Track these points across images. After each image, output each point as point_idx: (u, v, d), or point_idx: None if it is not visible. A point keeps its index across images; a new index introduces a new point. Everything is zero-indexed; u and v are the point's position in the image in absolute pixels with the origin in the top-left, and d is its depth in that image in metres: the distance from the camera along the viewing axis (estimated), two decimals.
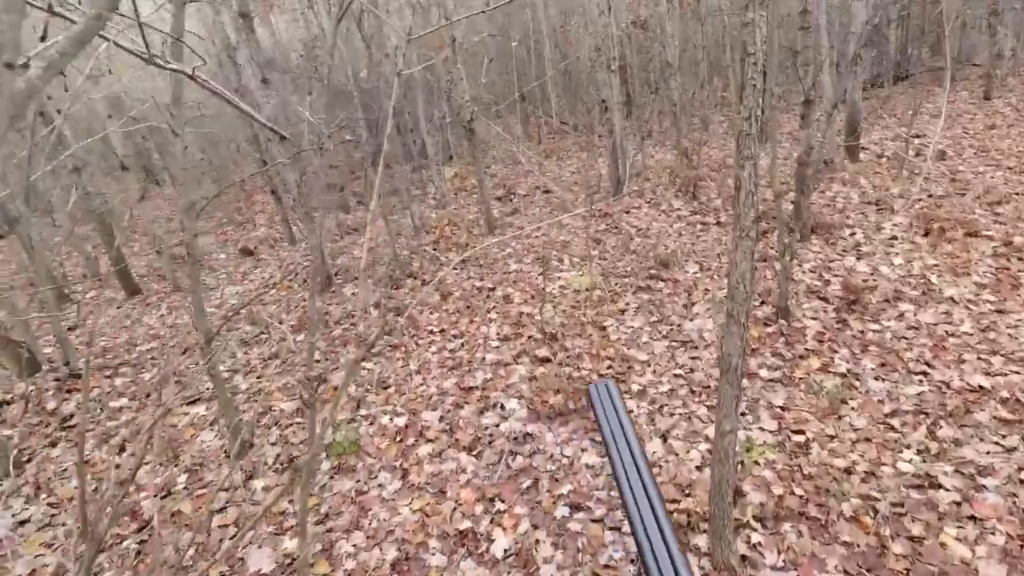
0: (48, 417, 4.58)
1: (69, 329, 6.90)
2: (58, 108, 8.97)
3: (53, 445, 4.24)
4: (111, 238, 7.65)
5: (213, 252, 9.40)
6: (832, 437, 2.94)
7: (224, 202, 11.97)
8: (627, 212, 7.04)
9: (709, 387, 3.54)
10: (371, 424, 3.73)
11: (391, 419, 3.73)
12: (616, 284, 5.09)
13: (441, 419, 3.66)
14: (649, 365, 3.86)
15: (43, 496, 3.62)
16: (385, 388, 4.15)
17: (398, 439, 3.55)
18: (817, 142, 4.77)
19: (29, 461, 4.05)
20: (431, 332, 4.88)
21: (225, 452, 3.67)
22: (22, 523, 3.43)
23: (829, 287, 4.34)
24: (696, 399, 3.46)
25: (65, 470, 3.86)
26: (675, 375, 3.71)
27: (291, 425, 3.90)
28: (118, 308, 7.45)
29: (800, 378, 3.45)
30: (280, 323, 5.64)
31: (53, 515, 3.45)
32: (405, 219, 8.31)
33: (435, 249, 7.08)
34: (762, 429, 3.08)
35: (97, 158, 8.03)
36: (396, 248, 7.01)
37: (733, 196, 1.77)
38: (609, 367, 3.88)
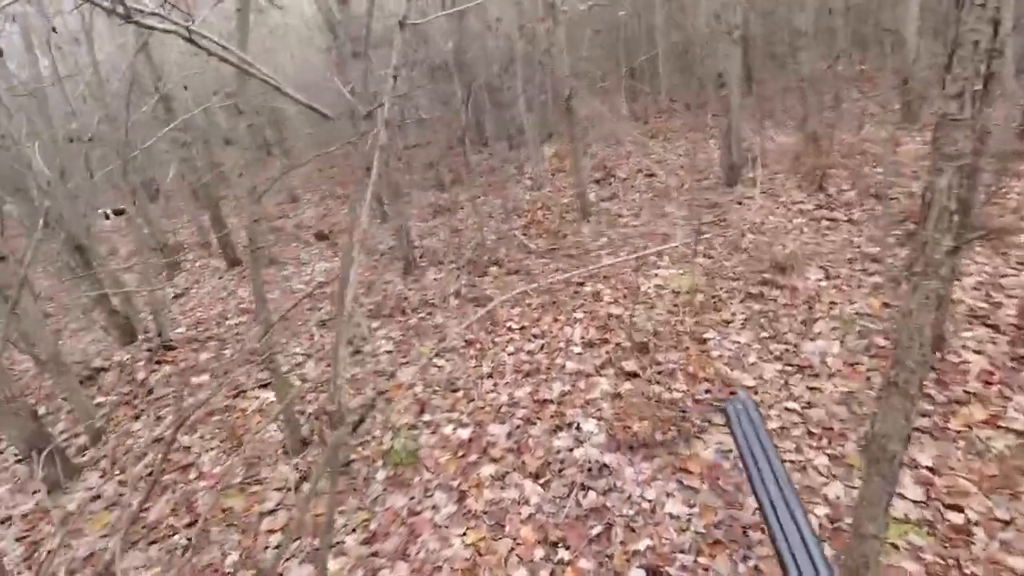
0: (137, 388, 4.70)
1: (175, 296, 7.22)
2: (184, 84, 9.44)
3: (136, 418, 4.32)
4: (216, 210, 7.92)
5: (312, 227, 9.57)
6: (1006, 523, 2.24)
7: (327, 176, 12.23)
8: (739, 203, 6.25)
9: (832, 429, 2.89)
10: (433, 433, 3.42)
11: (455, 429, 3.40)
12: (722, 288, 4.44)
13: (509, 435, 3.27)
14: (756, 392, 3.24)
15: (117, 473, 3.65)
16: (454, 391, 3.82)
17: (460, 454, 3.21)
18: (994, 126, 3.83)
19: (113, 432, 4.15)
20: (510, 329, 4.49)
21: (284, 447, 3.52)
22: (94, 499, 3.45)
23: (1000, 311, 3.47)
24: (814, 444, 2.83)
25: (136, 447, 3.89)
26: (787, 408, 3.08)
27: (350, 423, 3.68)
28: (219, 279, 7.72)
29: (958, 432, 2.71)
30: (360, 305, 5.49)
31: (121, 494, 3.46)
32: (498, 200, 7.95)
33: (525, 235, 6.68)
34: (903, 496, 2.43)
35: (200, 134, 8.30)
36: (483, 232, 6.69)
37: (922, 211, 1.19)
38: (707, 391, 3.31)
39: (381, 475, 3.17)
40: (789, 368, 3.38)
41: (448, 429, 3.41)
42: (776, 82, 10.91)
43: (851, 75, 11.87)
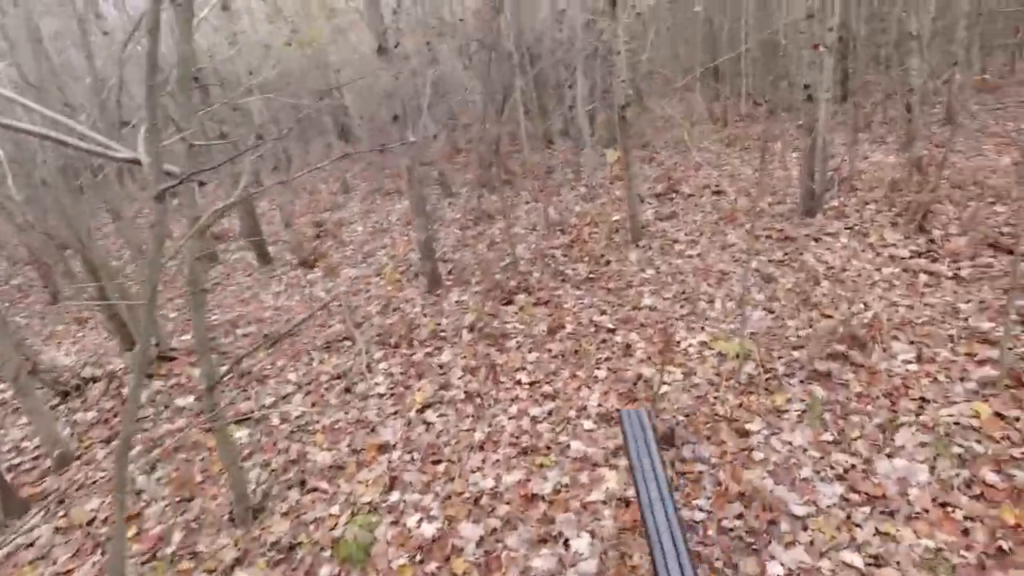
0: (120, 405, 4.42)
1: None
2: (250, 70, 9.28)
3: (108, 441, 4.01)
4: (250, 207, 7.67)
5: (355, 222, 9.24)
6: None
7: (377, 170, 11.89)
8: (816, 240, 5.30)
9: None
10: (395, 523, 2.85)
11: (420, 522, 2.82)
12: (779, 358, 3.61)
13: (480, 541, 2.66)
14: (806, 528, 2.47)
15: (60, 514, 3.31)
16: (435, 462, 3.24)
17: (418, 559, 2.63)
18: None
19: (79, 459, 3.85)
20: (519, 383, 3.86)
21: (230, 514, 3.06)
22: (28, 546, 3.13)
23: None
24: None
25: (95, 482, 3.55)
26: (846, 564, 2.29)
27: (314, 491, 3.17)
28: (248, 275, 7.49)
29: None
30: (359, 329, 5.00)
31: (55, 545, 3.11)
32: (551, 208, 7.28)
33: (565, 255, 5.99)
34: None
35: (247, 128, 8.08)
36: (517, 251, 6.06)
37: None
38: (740, 515, 2.56)
39: (325, 571, 2.64)
40: (855, 496, 2.57)
41: (413, 520, 2.83)
42: (878, 90, 9.61)
43: (970, 85, 10.34)
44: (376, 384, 4.12)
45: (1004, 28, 11.07)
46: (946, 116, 8.88)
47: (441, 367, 4.25)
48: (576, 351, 4.12)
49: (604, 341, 4.18)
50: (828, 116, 5.49)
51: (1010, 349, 3.10)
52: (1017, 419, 2.80)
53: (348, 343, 4.85)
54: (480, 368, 4.04)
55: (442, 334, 4.70)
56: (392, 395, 3.97)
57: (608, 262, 5.60)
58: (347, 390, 4.08)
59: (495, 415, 3.56)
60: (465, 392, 3.84)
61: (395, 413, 3.74)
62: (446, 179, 9.59)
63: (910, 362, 3.36)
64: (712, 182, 7.79)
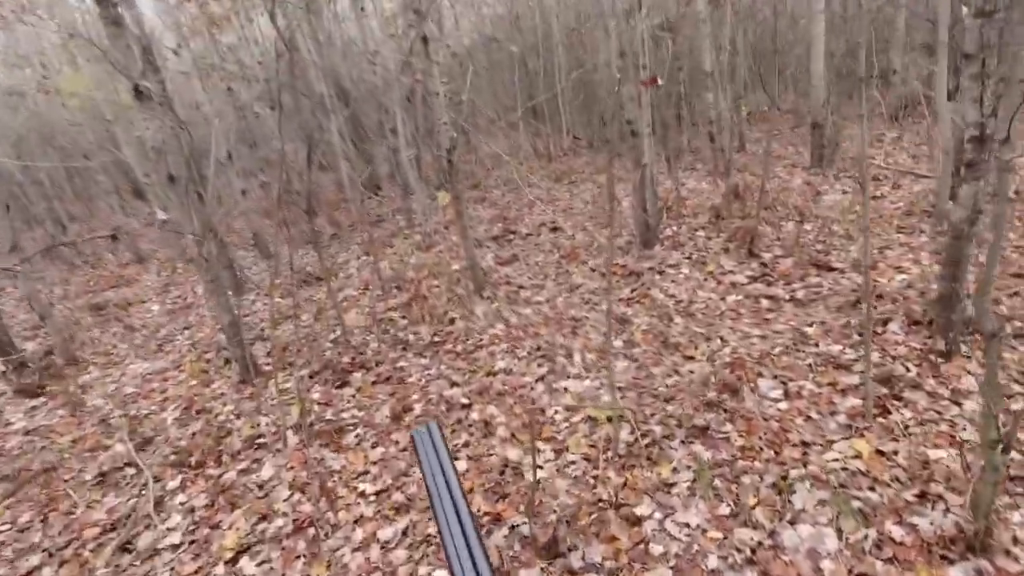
0: None
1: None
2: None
3: None
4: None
5: (149, 300, 7.72)
6: None
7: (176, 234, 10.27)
8: (660, 273, 5.23)
9: None
10: None
11: None
12: (653, 416, 3.28)
13: None
14: None
15: None
16: None
17: None
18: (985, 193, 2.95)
19: None
20: (363, 495, 3.10)
21: None
22: None
23: None
24: None
25: None
26: None
27: None
28: None
29: None
30: (147, 450, 3.88)
31: None
32: (383, 262, 6.55)
33: (404, 317, 5.33)
34: None
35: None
36: (349, 318, 5.28)
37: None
38: None
39: None
40: None
41: None
42: (680, 124, 10.33)
43: (755, 116, 11.60)
44: (169, 530, 3.09)
45: (771, 65, 12.66)
46: (740, 144, 9.75)
47: (261, 487, 3.34)
48: None
49: (459, 421, 3.58)
50: (652, 149, 5.52)
51: (862, 369, 3.04)
52: (895, 452, 2.67)
53: (132, 471, 3.71)
54: (313, 481, 3.21)
55: (261, 440, 3.76)
56: (192, 543, 2.98)
57: (453, 320, 5.03)
58: (124, 547, 3.00)
59: (335, 548, 2.76)
60: (294, 521, 2.98)
61: (195, 573, 2.77)
62: (261, 239, 8.46)
63: (779, 400, 3.19)
64: (548, 219, 7.66)
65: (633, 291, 5.03)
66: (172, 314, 6.88)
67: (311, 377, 4.46)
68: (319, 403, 4.11)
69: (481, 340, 4.59)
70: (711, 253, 5.38)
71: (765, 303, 4.37)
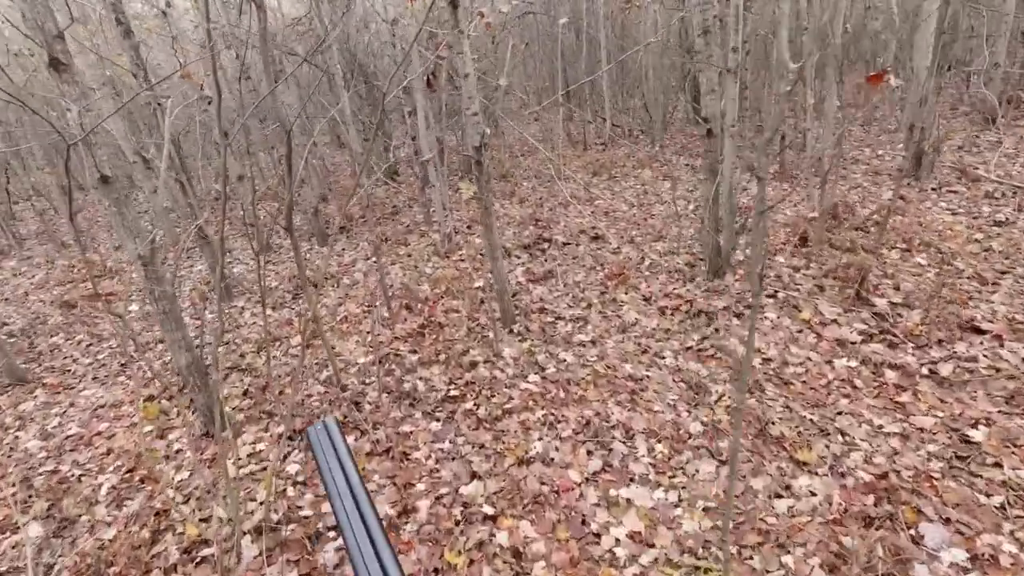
0: None
1: None
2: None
3: None
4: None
5: (129, 297, 6.79)
6: None
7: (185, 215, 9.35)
8: (738, 316, 4.13)
9: None
10: None
11: None
12: (759, 560, 2.23)
13: None
14: None
15: None
16: None
17: None
18: None
19: None
20: None
21: None
22: None
23: None
24: None
25: None
26: None
27: None
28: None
29: None
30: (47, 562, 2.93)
31: None
32: (396, 266, 5.50)
33: (415, 351, 4.30)
34: None
35: None
36: (348, 350, 4.28)
37: None
38: None
39: None
40: None
41: None
42: (744, 121, 9.10)
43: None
44: None
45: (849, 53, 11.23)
46: (837, 145, 8.50)
47: None
48: (436, 571, 2.45)
49: (480, 545, 2.55)
50: (734, 155, 4.38)
51: None
52: None
53: None
54: None
55: (207, 550, 2.77)
56: None
57: (474, 364, 3.99)
58: None
59: None
60: None
61: None
62: (259, 232, 7.44)
63: (967, 572, 2.11)
64: (587, 223, 6.55)
65: (703, 339, 3.94)
66: (150, 319, 5.92)
67: (290, 438, 3.47)
68: (294, 482, 3.11)
69: (510, 399, 3.55)
70: (803, 292, 4.25)
71: (891, 375, 3.27)
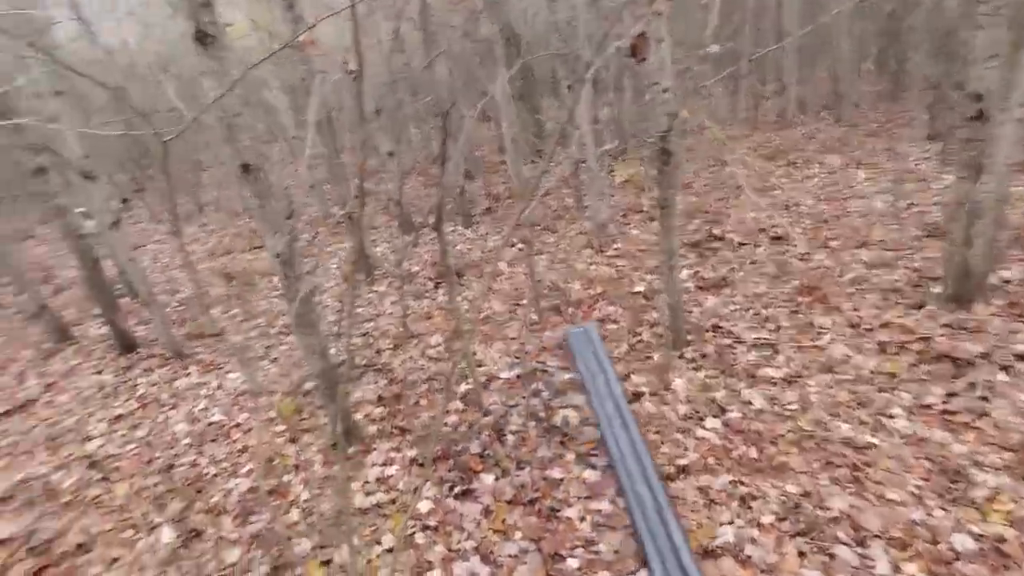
0: None
1: None
2: None
3: None
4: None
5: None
6: None
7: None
8: (1006, 368, 3.04)
9: None
10: None
11: None
12: None
13: None
14: None
15: None
16: None
17: None
18: None
19: None
20: None
21: None
22: None
23: None
24: None
25: None
26: None
27: None
28: (97, 372, 5.18)
29: None
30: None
31: None
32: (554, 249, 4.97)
33: (564, 368, 3.72)
34: None
35: None
36: (491, 359, 3.81)
37: None
38: None
39: None
40: None
41: None
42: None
43: None
44: None
45: None
46: None
47: None
48: None
49: None
50: (1014, 148, 3.22)
51: None
52: None
53: None
54: None
55: None
56: None
57: (637, 394, 3.32)
58: None
59: None
60: None
61: None
62: (405, 212, 7.25)
63: None
64: (765, 219, 5.53)
65: (950, 397, 2.94)
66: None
67: (422, 464, 3.05)
68: (424, 525, 2.68)
69: (685, 451, 2.84)
70: None
71: None
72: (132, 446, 3.84)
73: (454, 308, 3.00)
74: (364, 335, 4.73)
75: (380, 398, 3.72)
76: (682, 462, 2.76)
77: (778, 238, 5.22)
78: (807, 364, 3.39)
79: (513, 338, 4.12)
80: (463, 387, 3.63)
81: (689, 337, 3.79)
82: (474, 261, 5.99)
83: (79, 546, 3.01)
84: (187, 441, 3.75)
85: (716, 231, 5.50)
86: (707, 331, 3.91)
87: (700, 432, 2.96)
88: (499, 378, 3.70)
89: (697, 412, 3.12)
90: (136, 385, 4.67)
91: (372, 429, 3.43)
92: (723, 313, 4.11)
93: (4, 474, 3.82)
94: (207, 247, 8.56)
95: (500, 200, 8.08)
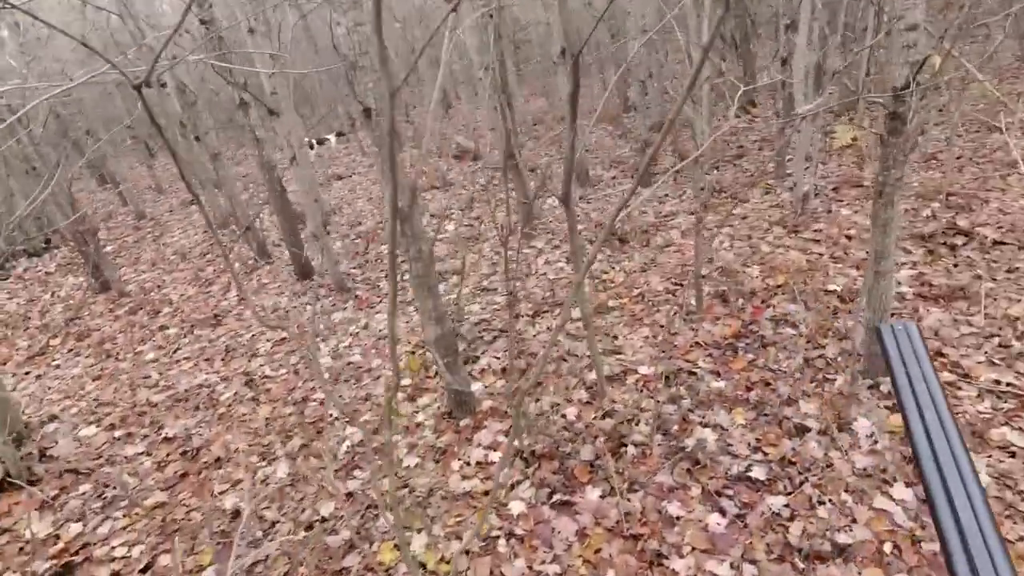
0: None
1: None
2: None
3: None
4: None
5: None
6: None
7: None
8: None
9: None
10: None
11: None
12: None
13: None
14: None
15: None
16: None
17: None
18: None
19: None
20: None
21: None
22: None
23: None
24: None
25: None
26: None
27: None
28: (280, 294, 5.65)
29: None
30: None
31: None
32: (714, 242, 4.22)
33: (717, 373, 3.11)
34: None
35: None
36: (627, 346, 3.33)
37: None
38: None
39: None
40: None
41: None
42: None
43: None
44: None
45: None
46: None
47: None
48: None
49: None
50: None
51: None
52: None
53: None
54: None
55: None
56: None
57: (803, 429, 2.62)
58: None
59: None
60: None
61: None
62: (581, 163, 6.77)
63: None
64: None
65: None
66: (452, 246, 5.88)
67: (527, 460, 2.74)
68: (511, 532, 2.39)
69: (852, 524, 2.15)
70: None
71: None
72: (283, 372, 4.09)
73: (578, 284, 2.56)
74: (510, 294, 4.49)
75: (504, 370, 3.47)
76: (842, 539, 2.08)
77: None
78: None
79: (662, 326, 3.56)
80: (591, 375, 3.22)
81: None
82: (643, 225, 5.38)
83: (216, 460, 3.26)
84: (326, 376, 3.88)
85: (962, 222, 4.21)
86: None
87: (879, 501, 2.22)
88: (635, 372, 3.21)
89: (882, 470, 2.36)
90: (305, 311, 5.01)
91: (486, 405, 3.19)
92: (951, 337, 3.10)
93: (189, 376, 4.34)
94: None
95: (688, 158, 7.20)
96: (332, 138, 12.93)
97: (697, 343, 3.37)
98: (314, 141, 12.49)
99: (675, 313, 3.62)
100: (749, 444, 2.60)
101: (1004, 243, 3.91)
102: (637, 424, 2.81)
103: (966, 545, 0.45)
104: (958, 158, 5.56)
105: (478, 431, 3.02)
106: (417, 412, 3.28)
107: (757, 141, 7.34)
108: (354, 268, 5.74)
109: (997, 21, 5.56)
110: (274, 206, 5.29)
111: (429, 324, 2.84)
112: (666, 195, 6.25)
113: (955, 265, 3.77)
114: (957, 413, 2.59)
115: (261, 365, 4.24)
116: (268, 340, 4.57)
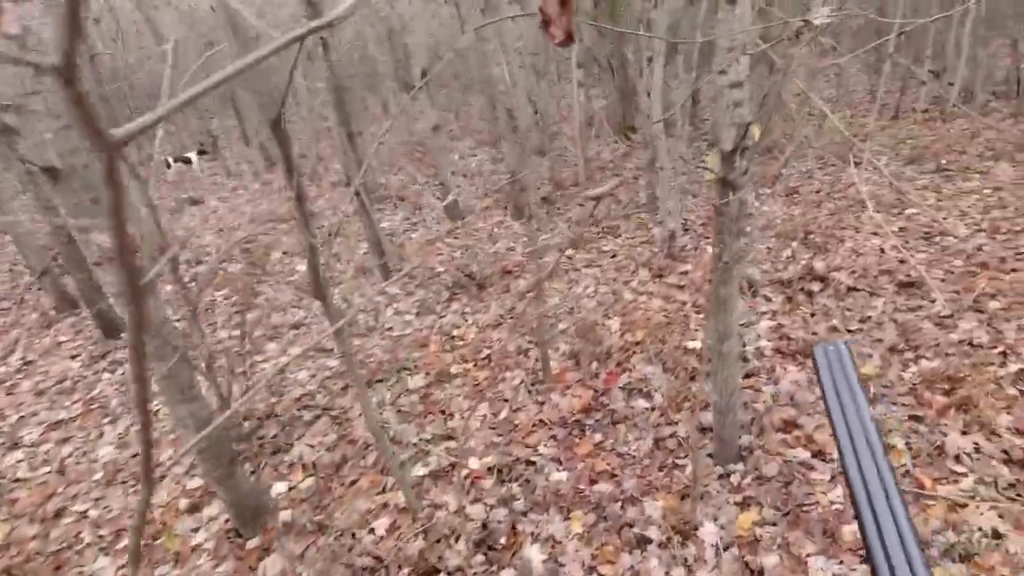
0: None
1: None
2: None
3: None
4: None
5: None
6: None
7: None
8: None
9: None
10: None
11: None
12: None
13: None
14: None
15: None
16: None
17: None
18: None
19: None
20: None
21: None
22: None
23: None
24: None
25: None
26: None
27: None
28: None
29: None
30: None
31: None
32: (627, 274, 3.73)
33: (558, 461, 2.68)
34: None
35: None
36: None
37: None
38: None
39: None
40: None
41: None
42: None
43: None
44: None
45: None
46: None
47: None
48: None
49: None
50: None
51: None
52: None
53: None
54: None
55: None
56: None
57: (644, 540, 2.23)
58: None
59: None
60: None
61: None
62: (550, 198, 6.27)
63: None
64: (891, 254, 4.10)
65: None
66: (298, 292, 5.19)
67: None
68: None
69: None
70: None
71: None
72: (47, 469, 3.26)
73: (350, 362, 2.02)
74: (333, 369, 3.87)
75: (313, 464, 2.88)
76: None
77: (908, 284, 3.78)
78: (926, 525, 2.15)
79: (506, 400, 3.10)
80: (423, 468, 2.70)
81: (743, 440, 2.62)
82: (509, 264, 4.97)
83: None
84: (98, 476, 3.11)
85: (819, 264, 4.11)
86: (775, 430, 2.70)
87: None
88: (465, 467, 2.72)
89: None
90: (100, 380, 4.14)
91: (284, 516, 2.58)
92: (806, 402, 2.87)
93: None
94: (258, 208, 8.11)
95: (564, 188, 6.93)
96: (194, 156, 11.65)
97: (541, 421, 2.94)
98: (170, 159, 11.24)
99: (521, 383, 3.18)
100: (583, 563, 2.17)
101: (856, 289, 3.81)
102: (457, 541, 2.31)
103: (883, 539, 0.48)
104: (816, 192, 5.61)
105: (267, 555, 2.40)
106: (197, 530, 2.61)
107: (633, 169, 7.20)
108: (177, 321, 4.90)
109: (847, 61, 5.67)
110: (62, 253, 4.38)
111: (188, 434, 2.21)
112: (537, 229, 5.89)
113: (812, 315, 3.61)
114: (807, 506, 2.30)
115: (19, 461, 3.37)
116: (40, 424, 3.69)
